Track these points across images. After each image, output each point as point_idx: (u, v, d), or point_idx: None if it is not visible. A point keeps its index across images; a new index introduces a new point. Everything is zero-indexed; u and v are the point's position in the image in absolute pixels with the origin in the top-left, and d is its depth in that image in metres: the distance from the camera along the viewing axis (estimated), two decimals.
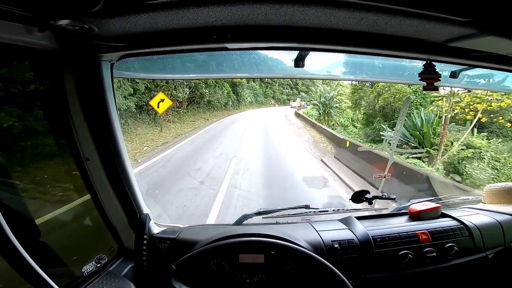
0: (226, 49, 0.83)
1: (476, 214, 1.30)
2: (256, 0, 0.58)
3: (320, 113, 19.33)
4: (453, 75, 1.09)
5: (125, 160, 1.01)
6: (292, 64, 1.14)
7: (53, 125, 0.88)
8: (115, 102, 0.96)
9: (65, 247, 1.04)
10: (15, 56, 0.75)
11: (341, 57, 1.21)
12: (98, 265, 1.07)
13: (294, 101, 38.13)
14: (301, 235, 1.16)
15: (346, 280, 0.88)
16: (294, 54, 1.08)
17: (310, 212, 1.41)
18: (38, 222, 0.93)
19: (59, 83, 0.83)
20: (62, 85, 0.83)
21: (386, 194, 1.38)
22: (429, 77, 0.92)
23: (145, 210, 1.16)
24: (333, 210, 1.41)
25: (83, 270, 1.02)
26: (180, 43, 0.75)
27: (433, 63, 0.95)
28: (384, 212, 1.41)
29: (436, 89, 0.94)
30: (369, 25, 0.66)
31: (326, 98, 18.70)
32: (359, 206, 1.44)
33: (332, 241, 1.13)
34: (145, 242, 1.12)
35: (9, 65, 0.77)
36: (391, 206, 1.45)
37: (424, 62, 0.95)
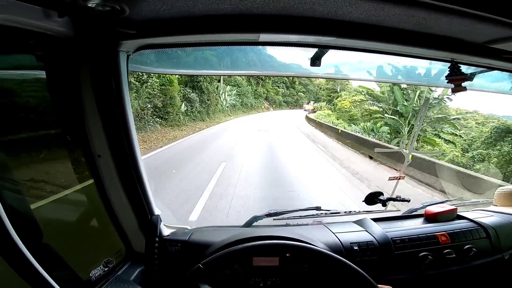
0: (256, 43, 0.79)
1: (491, 216, 1.31)
2: None
3: (395, 130, 12.24)
4: (468, 78, 1.08)
5: (138, 158, 0.96)
6: (308, 62, 1.12)
7: (65, 118, 0.82)
8: (129, 97, 0.91)
9: (73, 250, 0.98)
10: (27, 42, 0.69)
11: (358, 57, 1.19)
12: (106, 269, 1.01)
13: (308, 103, 39.19)
14: (318, 237, 1.13)
15: (372, 280, 0.86)
16: (312, 52, 1.06)
17: (321, 213, 1.38)
18: (44, 222, 0.87)
19: (74, 75, 0.77)
20: (76, 77, 0.77)
21: (400, 196, 1.38)
22: (457, 79, 0.91)
23: (156, 211, 1.10)
24: (345, 212, 1.39)
25: (90, 275, 0.96)
26: (212, 31, 0.70)
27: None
28: (397, 214, 1.40)
29: (464, 89, 0.94)
30: (416, 23, 0.64)
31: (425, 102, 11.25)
32: (370, 208, 1.42)
33: (350, 243, 1.11)
34: (156, 245, 1.06)
35: (20, 52, 0.71)
36: (403, 208, 1.44)
37: (449, 64, 0.95)
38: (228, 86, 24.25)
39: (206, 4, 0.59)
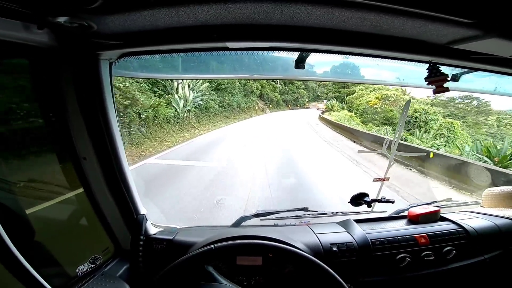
0: (226, 48, 0.82)
1: (475, 218, 1.30)
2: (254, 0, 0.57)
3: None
4: (454, 78, 1.09)
5: (122, 160, 1.00)
6: (293, 65, 1.14)
7: (50, 123, 0.86)
8: (114, 101, 0.95)
9: (60, 247, 1.02)
10: (13, 53, 0.74)
11: (343, 59, 1.20)
12: (92, 265, 1.05)
13: (321, 103, 38.53)
14: (300, 238, 1.15)
15: (344, 283, 0.87)
16: (295, 55, 1.08)
17: (308, 214, 1.40)
18: (33, 221, 0.91)
19: (57, 81, 0.81)
20: (60, 83, 0.82)
21: (385, 197, 1.38)
22: (437, 80, 0.91)
23: (142, 210, 1.14)
24: (332, 212, 1.40)
25: (77, 271, 1.00)
26: (180, 42, 0.74)
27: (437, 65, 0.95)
28: (383, 215, 1.40)
29: (447, 90, 0.94)
30: (372, 26, 0.65)
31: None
32: (357, 209, 1.43)
33: (330, 244, 1.12)
34: (141, 243, 1.10)
35: (6, 61, 0.75)
36: (390, 210, 1.44)
37: (427, 66, 0.95)
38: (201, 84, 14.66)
39: (167, 18, 0.62)
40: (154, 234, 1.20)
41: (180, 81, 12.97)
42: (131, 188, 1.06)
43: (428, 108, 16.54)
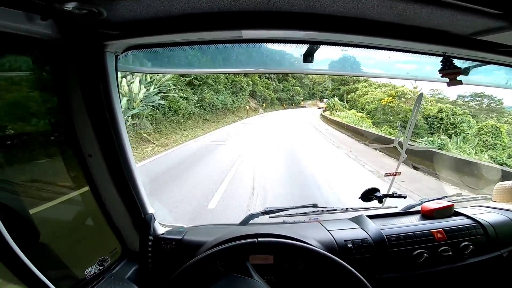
0: (241, 40, 0.79)
1: (489, 213, 1.28)
2: None
3: None
4: (465, 71, 1.06)
5: (129, 157, 0.96)
6: (301, 58, 1.11)
7: (55, 119, 0.83)
8: (119, 97, 0.91)
9: (67, 249, 0.99)
10: (14, 46, 0.70)
11: (352, 51, 1.17)
12: (101, 267, 1.02)
13: (321, 101, 37.62)
14: (312, 235, 1.12)
15: (365, 280, 0.85)
16: (304, 48, 1.05)
17: (318, 211, 1.38)
18: (38, 222, 0.88)
19: (61, 76, 0.78)
20: (64, 78, 0.78)
21: (396, 192, 1.36)
22: (451, 73, 0.89)
23: (150, 210, 1.11)
24: (342, 209, 1.38)
25: (85, 273, 0.98)
26: (194, 29, 0.70)
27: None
28: (394, 210, 1.38)
29: (460, 83, 0.92)
30: (397, 15, 0.62)
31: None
32: (367, 204, 1.40)
33: (345, 240, 1.10)
34: (150, 243, 1.07)
35: (8, 55, 0.72)
36: (401, 205, 1.42)
37: (441, 58, 0.93)
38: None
39: (182, 3, 0.59)
40: (162, 234, 1.17)
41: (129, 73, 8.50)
42: (139, 186, 1.03)
43: (455, 108, 13.93)
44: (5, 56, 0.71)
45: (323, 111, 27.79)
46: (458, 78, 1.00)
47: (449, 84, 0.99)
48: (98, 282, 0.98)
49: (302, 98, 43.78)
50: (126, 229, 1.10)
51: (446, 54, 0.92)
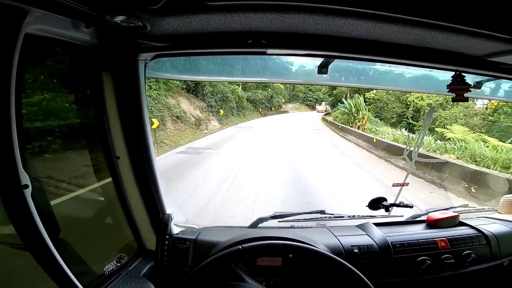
0: (263, 53, 0.84)
1: (493, 224, 1.32)
2: (307, 10, 0.60)
3: None
4: (477, 85, 1.11)
5: (153, 159, 1.01)
6: (315, 70, 1.16)
7: (88, 121, 0.88)
8: (146, 102, 0.97)
9: (86, 245, 1.03)
10: (56, 50, 0.76)
11: (366, 66, 1.22)
12: (118, 264, 1.06)
13: (320, 104, 34.83)
14: (320, 239, 1.16)
15: (371, 285, 0.88)
16: (319, 60, 1.10)
17: (325, 217, 1.41)
18: (61, 217, 0.92)
19: (96, 80, 0.83)
20: (99, 82, 0.83)
21: (403, 202, 1.39)
22: (459, 88, 0.93)
23: (168, 210, 1.16)
24: (349, 216, 1.42)
25: (104, 269, 1.01)
26: (224, 46, 0.76)
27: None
28: (399, 219, 1.42)
29: (466, 100, 0.96)
30: (415, 39, 0.68)
31: None
32: (374, 213, 1.44)
33: (351, 246, 1.14)
34: (166, 242, 1.11)
35: (49, 59, 0.77)
36: (406, 214, 1.46)
37: (453, 73, 0.97)
38: None
39: (219, 23, 0.65)
40: (177, 233, 1.21)
41: None
42: (159, 187, 1.08)
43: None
44: (46, 59, 0.77)
45: (325, 114, 24.93)
46: (468, 93, 1.04)
47: (454, 99, 1.01)
48: (116, 279, 1.02)
49: (284, 100, 35.41)
50: (143, 228, 1.14)
51: (458, 70, 0.96)
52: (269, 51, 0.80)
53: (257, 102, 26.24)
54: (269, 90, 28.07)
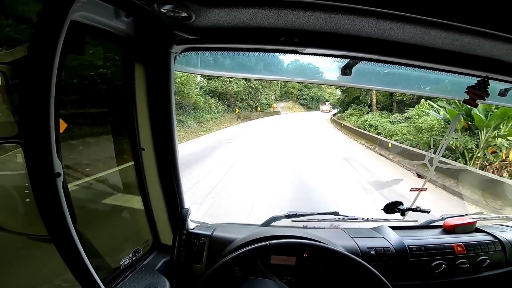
0: (296, 51, 0.84)
1: (509, 231, 1.33)
2: (338, 10, 0.59)
3: None
4: (502, 93, 1.11)
5: (176, 153, 1.00)
6: (339, 70, 1.15)
7: (118, 111, 0.87)
8: (174, 95, 0.96)
9: (104, 237, 1.02)
10: (92, 37, 0.74)
11: (389, 68, 1.22)
12: (133, 258, 1.05)
13: (324, 104, 34.63)
14: (336, 240, 1.16)
15: (389, 284, 0.89)
16: (343, 61, 1.10)
17: (339, 218, 1.41)
18: (79, 209, 0.90)
19: (129, 71, 0.82)
20: (131, 73, 0.83)
21: (420, 207, 1.39)
22: (477, 93, 0.93)
23: (186, 204, 1.15)
24: (362, 218, 1.41)
25: (120, 263, 1.00)
26: (259, 42, 0.76)
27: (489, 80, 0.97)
28: (414, 224, 1.42)
29: (476, 105, 0.96)
30: (460, 46, 0.67)
31: None
32: (388, 216, 1.43)
33: (368, 247, 1.14)
34: (183, 237, 1.10)
35: (86, 46, 0.76)
36: (421, 219, 1.45)
37: (480, 78, 0.96)
38: None
39: (261, 18, 0.64)
40: (193, 229, 1.20)
41: None
42: (180, 181, 1.07)
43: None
44: (84, 47, 0.76)
45: (334, 115, 23.19)
46: (493, 99, 1.04)
47: (465, 101, 1.01)
48: (131, 272, 1.01)
49: (274, 97, 28.95)
50: (161, 222, 1.13)
51: (489, 76, 0.96)
52: (303, 49, 0.80)
53: (232, 99, 16.84)
54: (253, 81, 18.74)
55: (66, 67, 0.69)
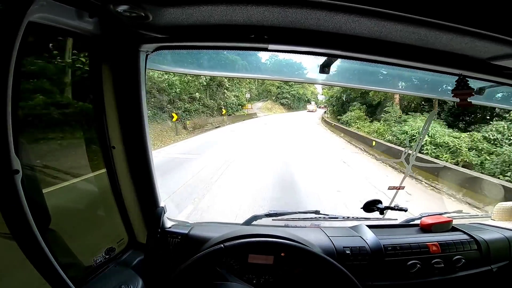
0: (266, 49, 0.84)
1: (486, 230, 1.33)
2: (309, 5, 0.59)
3: None
4: (479, 91, 1.11)
5: (149, 152, 1.00)
6: (317, 68, 1.15)
7: (86, 110, 0.87)
8: (145, 94, 0.95)
9: (76, 236, 1.01)
10: (57, 38, 0.74)
11: (368, 67, 1.22)
12: (107, 256, 1.05)
13: (310, 104, 34.70)
14: (313, 239, 1.16)
15: (357, 282, 0.89)
16: (321, 59, 1.10)
17: (320, 217, 1.42)
18: (52, 207, 0.90)
19: (96, 70, 0.82)
20: (98, 72, 0.82)
21: (398, 205, 1.40)
22: (463, 93, 0.94)
23: (161, 203, 1.14)
24: (343, 217, 1.42)
25: (93, 261, 1.00)
26: (226, 40, 0.76)
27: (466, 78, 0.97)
28: (393, 222, 1.42)
29: (470, 104, 0.96)
30: (418, 39, 0.68)
31: None
32: (368, 215, 1.44)
33: (343, 247, 1.15)
34: (158, 236, 1.10)
35: (50, 47, 0.76)
36: (401, 217, 1.46)
37: (457, 78, 0.97)
38: None
39: (220, 15, 0.64)
40: (169, 227, 1.20)
41: None
42: (154, 180, 1.07)
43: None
44: (46, 47, 0.75)
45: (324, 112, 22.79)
46: (469, 99, 1.05)
47: (459, 104, 1.02)
48: (103, 271, 1.00)
49: (249, 96, 23.36)
50: (136, 220, 1.12)
51: (462, 74, 0.96)
52: (271, 46, 0.80)
53: (177, 100, 12.23)
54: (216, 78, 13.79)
55: (30, 68, 0.69)
